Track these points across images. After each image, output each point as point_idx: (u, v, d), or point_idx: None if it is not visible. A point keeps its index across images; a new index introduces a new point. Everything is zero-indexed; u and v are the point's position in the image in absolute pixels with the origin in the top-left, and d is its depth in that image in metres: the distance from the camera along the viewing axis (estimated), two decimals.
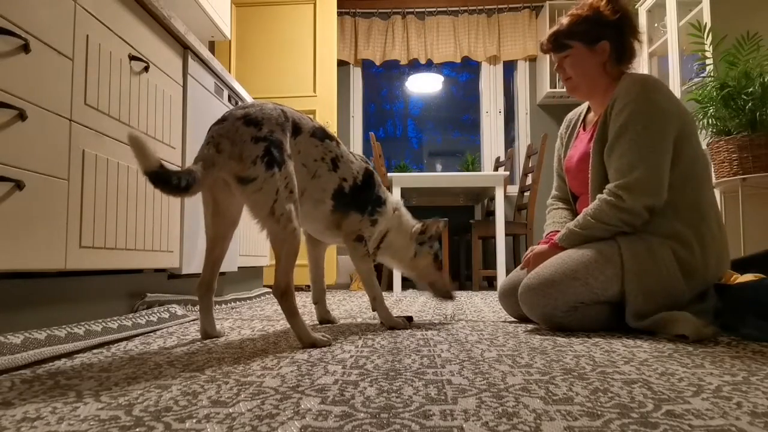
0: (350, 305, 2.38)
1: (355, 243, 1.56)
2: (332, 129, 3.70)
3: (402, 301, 2.62)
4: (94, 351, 1.17)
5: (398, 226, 1.67)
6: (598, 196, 1.52)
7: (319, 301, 1.72)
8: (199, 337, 1.38)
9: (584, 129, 1.77)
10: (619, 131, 1.50)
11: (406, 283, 3.92)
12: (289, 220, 1.24)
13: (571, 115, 1.89)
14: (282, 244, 1.26)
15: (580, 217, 1.55)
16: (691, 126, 1.54)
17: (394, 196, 1.68)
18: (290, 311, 1.25)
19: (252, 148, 1.23)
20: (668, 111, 1.49)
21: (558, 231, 1.67)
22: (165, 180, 1.06)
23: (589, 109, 1.80)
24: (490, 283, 4.24)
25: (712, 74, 2.58)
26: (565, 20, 1.65)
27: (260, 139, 1.24)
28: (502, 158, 4.41)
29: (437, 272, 1.72)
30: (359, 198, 1.54)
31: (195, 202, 2.02)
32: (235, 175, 1.23)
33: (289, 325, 1.60)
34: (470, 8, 4.61)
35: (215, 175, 1.22)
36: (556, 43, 1.66)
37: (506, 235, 3.66)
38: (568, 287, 1.45)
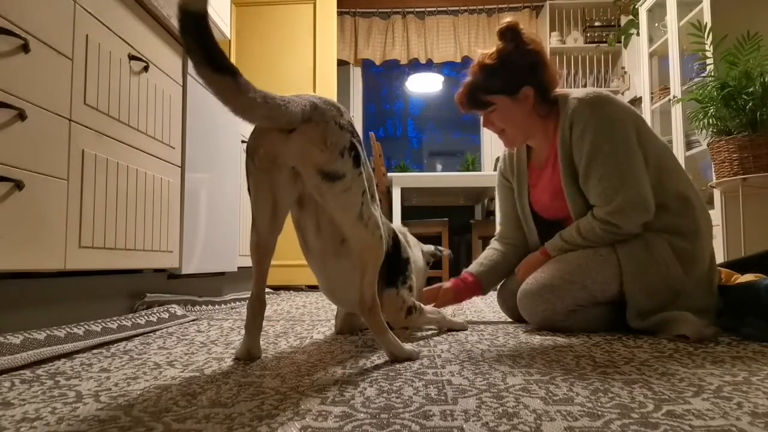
0: None
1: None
2: None
3: None
4: (94, 351, 1.17)
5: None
6: (590, 220, 1.47)
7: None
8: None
9: (538, 168, 1.68)
10: (589, 156, 1.46)
11: None
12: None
13: (507, 156, 1.77)
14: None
15: (572, 234, 1.51)
16: (643, 123, 1.52)
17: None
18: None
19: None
20: (623, 120, 1.46)
21: (472, 273, 1.73)
22: (202, 33, 0.74)
23: (528, 148, 1.70)
24: None
25: (712, 74, 2.58)
26: (476, 71, 1.55)
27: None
28: None
29: None
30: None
31: (195, 202, 2.02)
32: None
33: (287, 326, 1.61)
34: (470, 8, 4.61)
35: None
36: (476, 101, 1.56)
37: None
38: (566, 291, 1.45)
